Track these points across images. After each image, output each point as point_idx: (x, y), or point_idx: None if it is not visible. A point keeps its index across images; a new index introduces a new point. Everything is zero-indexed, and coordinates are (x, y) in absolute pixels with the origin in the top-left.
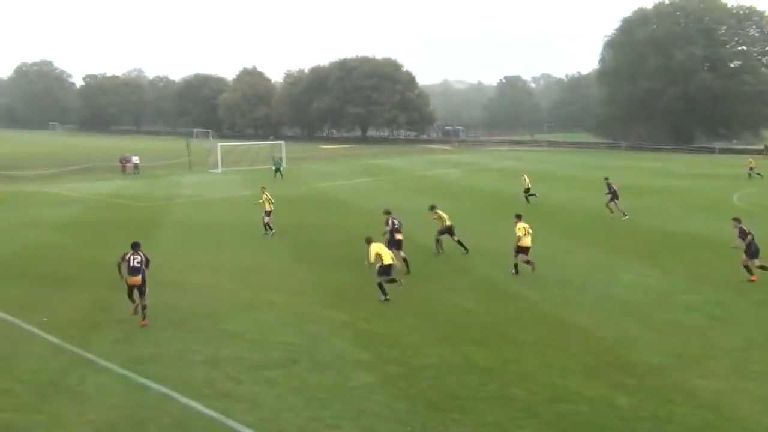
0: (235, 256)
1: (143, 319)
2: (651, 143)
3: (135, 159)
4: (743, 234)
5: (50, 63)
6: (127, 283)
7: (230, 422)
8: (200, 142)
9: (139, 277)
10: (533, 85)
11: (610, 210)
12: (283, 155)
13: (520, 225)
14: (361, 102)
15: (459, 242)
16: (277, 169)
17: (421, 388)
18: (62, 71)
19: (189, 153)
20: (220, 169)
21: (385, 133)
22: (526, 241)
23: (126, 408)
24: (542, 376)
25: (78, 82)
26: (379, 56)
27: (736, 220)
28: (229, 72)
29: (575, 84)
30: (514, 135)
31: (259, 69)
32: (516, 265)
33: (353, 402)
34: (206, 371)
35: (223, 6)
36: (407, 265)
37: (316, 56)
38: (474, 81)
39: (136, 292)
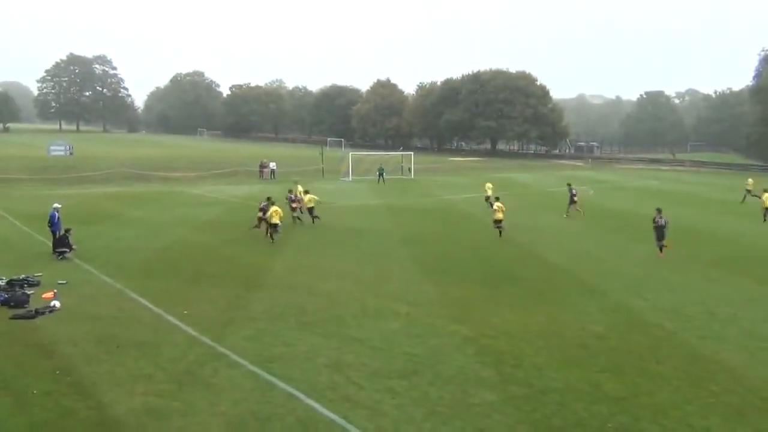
0: (361, 264)
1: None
2: None
3: (272, 165)
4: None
5: (201, 73)
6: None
7: (350, 427)
8: (333, 150)
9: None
10: (677, 101)
11: (569, 211)
12: (412, 166)
13: (497, 205)
14: (492, 115)
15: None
16: (380, 175)
17: (545, 412)
18: (212, 81)
19: (322, 161)
20: (350, 178)
21: (516, 147)
22: (499, 216)
23: (254, 403)
24: (678, 412)
25: (225, 91)
26: (512, 69)
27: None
28: (363, 83)
29: (725, 101)
30: (653, 153)
31: (393, 81)
32: (499, 232)
33: (473, 419)
34: (330, 374)
35: (361, 19)
36: None
37: (449, 69)
38: (612, 96)
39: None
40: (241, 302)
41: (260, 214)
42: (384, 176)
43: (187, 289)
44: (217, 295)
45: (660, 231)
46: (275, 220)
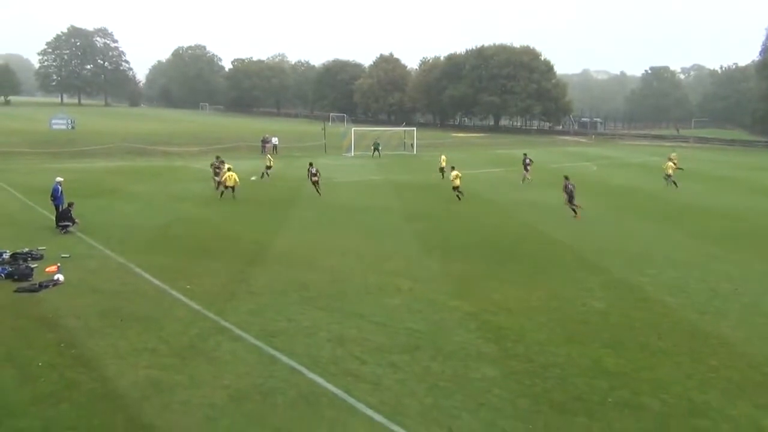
0: (363, 240)
1: None
2: None
3: (274, 140)
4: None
5: (203, 47)
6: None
7: (352, 401)
8: (335, 125)
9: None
10: (682, 77)
11: (523, 179)
12: (414, 142)
13: (454, 173)
14: (496, 90)
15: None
16: (375, 149)
17: (545, 387)
18: (214, 55)
19: (324, 136)
20: (352, 153)
21: (519, 123)
22: (456, 183)
23: (257, 377)
24: (678, 387)
25: (227, 65)
26: (517, 44)
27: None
28: (366, 58)
29: (730, 77)
30: (657, 129)
31: (396, 56)
32: (458, 197)
33: (474, 394)
34: (333, 349)
35: None
36: None
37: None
38: (616, 71)
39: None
40: (243, 277)
41: (216, 170)
42: (380, 150)
43: (189, 263)
44: (219, 270)
45: (570, 195)
46: (230, 183)
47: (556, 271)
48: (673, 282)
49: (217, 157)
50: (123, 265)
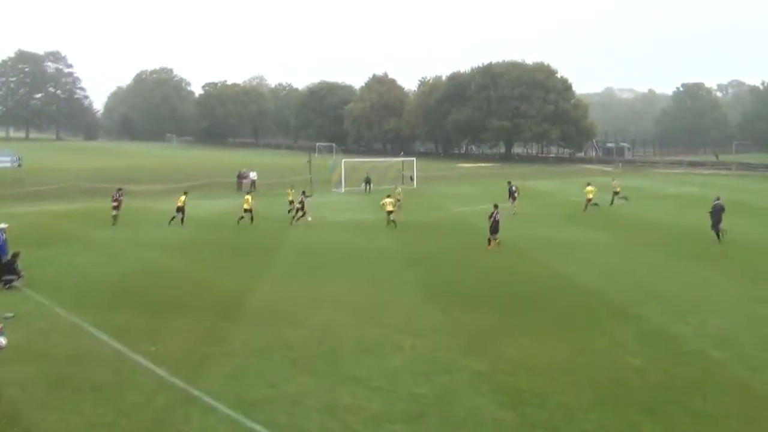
0: (358, 289)
1: None
2: None
3: (252, 175)
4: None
5: (170, 70)
6: None
7: None
8: (323, 157)
9: None
10: (719, 95)
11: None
12: (414, 174)
13: (386, 200)
14: (507, 114)
15: None
16: (367, 183)
17: None
18: (181, 79)
19: (310, 169)
20: (343, 188)
21: (534, 150)
22: (389, 207)
23: None
24: None
25: (197, 90)
26: (529, 60)
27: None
28: (357, 79)
29: None
30: (693, 155)
31: (391, 76)
32: (392, 221)
33: None
34: (322, 420)
35: (354, 7)
36: None
37: (456, 61)
38: (644, 89)
39: None
40: (217, 335)
41: (114, 204)
42: (371, 185)
43: (154, 321)
44: (189, 328)
45: (495, 225)
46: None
47: (582, 321)
48: (719, 332)
49: (118, 189)
50: (76, 326)
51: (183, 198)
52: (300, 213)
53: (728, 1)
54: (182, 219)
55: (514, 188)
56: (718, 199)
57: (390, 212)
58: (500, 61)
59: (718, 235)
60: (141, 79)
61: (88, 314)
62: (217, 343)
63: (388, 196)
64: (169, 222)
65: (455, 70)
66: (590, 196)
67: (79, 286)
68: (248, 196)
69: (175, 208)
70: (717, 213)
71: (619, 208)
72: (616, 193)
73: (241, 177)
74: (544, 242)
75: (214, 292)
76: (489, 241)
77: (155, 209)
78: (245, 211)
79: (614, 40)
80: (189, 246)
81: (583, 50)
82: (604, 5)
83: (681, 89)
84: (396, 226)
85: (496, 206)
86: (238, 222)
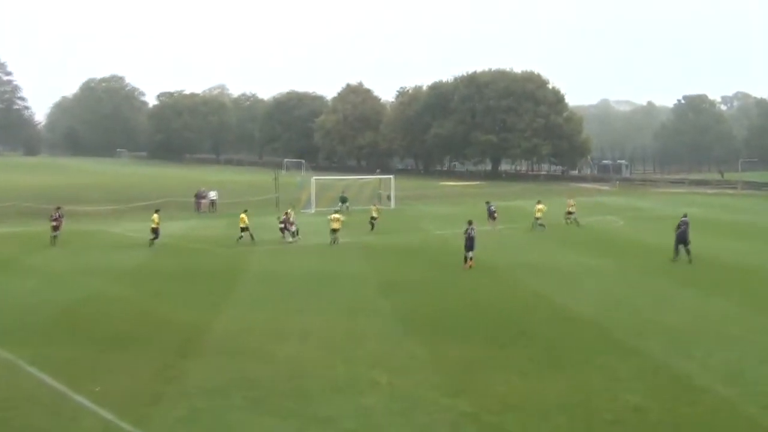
0: (329, 320)
1: None
2: None
3: (212, 194)
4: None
5: (121, 79)
6: None
7: None
8: (291, 174)
9: None
10: (724, 108)
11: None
12: (392, 193)
13: (333, 216)
14: (494, 127)
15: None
16: (343, 203)
17: None
18: (134, 88)
19: (276, 188)
20: (313, 209)
21: (524, 167)
22: (334, 225)
23: None
24: None
25: (151, 101)
26: (517, 69)
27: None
28: (329, 89)
29: None
30: (696, 172)
31: (367, 85)
32: (334, 240)
33: None
34: None
35: (326, 11)
36: None
37: (438, 70)
38: (643, 101)
39: None
40: (172, 373)
41: (54, 224)
42: (347, 204)
43: (100, 357)
44: (140, 365)
45: (470, 242)
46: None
47: (577, 355)
48: (726, 366)
49: (57, 208)
50: (10, 363)
51: (156, 217)
52: (291, 232)
53: (733, 8)
54: (153, 240)
55: (493, 208)
56: (685, 216)
57: (335, 230)
58: (486, 69)
59: (688, 253)
60: (89, 88)
61: (25, 349)
62: (171, 382)
63: (336, 212)
64: (150, 244)
65: (437, 80)
66: (539, 215)
67: (15, 317)
68: (244, 215)
69: (150, 230)
70: (683, 231)
71: (618, 230)
72: (569, 213)
73: (199, 197)
74: (535, 268)
75: (167, 325)
76: (465, 259)
77: (104, 232)
78: (242, 230)
79: (610, 47)
80: (140, 273)
81: (577, 58)
82: (598, 9)
83: (682, 101)
84: (336, 244)
85: (470, 222)
86: (237, 241)
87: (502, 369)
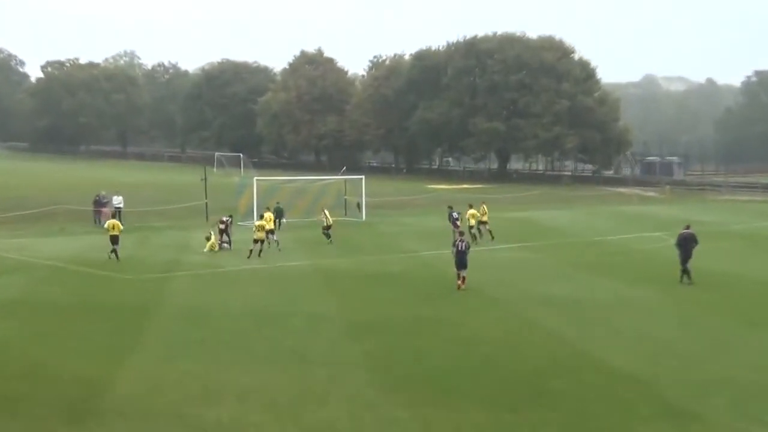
0: (277, 372)
1: None
2: None
3: (116, 201)
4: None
5: None
6: None
7: None
8: (226, 173)
9: None
10: None
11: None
12: (363, 198)
13: (259, 223)
14: (500, 112)
15: None
16: (278, 216)
17: None
18: (11, 56)
19: (206, 193)
20: (256, 220)
21: (541, 165)
22: (258, 234)
23: None
24: None
25: (34, 74)
26: (533, 34)
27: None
28: (277, 59)
29: None
30: None
31: (328, 54)
32: (251, 251)
33: None
34: None
35: None
36: None
37: (425, 34)
38: (700, 79)
39: None
40: None
41: None
42: (284, 218)
43: None
44: None
45: (462, 257)
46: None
47: (613, 421)
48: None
49: None
50: None
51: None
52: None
53: None
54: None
55: (456, 215)
56: (688, 227)
57: (259, 241)
58: (490, 34)
59: (687, 273)
60: None
61: None
62: None
63: (262, 217)
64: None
65: (424, 47)
66: (472, 222)
67: None
68: (269, 214)
69: (110, 239)
70: (686, 245)
71: (663, 251)
72: (482, 222)
73: (99, 204)
74: (555, 302)
75: (55, 380)
76: (458, 276)
77: None
78: (269, 232)
79: (656, 7)
80: (18, 308)
81: (612, 21)
82: None
83: (753, 79)
84: (249, 256)
85: (461, 233)
86: (259, 254)
87: None
